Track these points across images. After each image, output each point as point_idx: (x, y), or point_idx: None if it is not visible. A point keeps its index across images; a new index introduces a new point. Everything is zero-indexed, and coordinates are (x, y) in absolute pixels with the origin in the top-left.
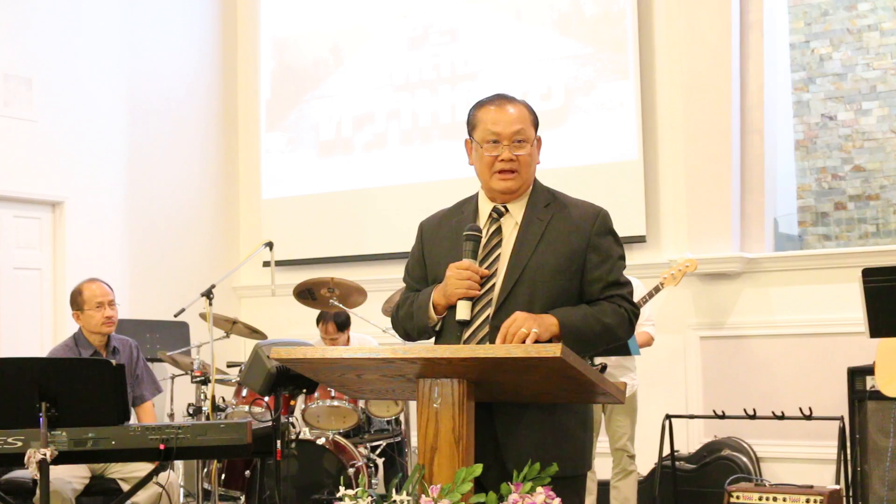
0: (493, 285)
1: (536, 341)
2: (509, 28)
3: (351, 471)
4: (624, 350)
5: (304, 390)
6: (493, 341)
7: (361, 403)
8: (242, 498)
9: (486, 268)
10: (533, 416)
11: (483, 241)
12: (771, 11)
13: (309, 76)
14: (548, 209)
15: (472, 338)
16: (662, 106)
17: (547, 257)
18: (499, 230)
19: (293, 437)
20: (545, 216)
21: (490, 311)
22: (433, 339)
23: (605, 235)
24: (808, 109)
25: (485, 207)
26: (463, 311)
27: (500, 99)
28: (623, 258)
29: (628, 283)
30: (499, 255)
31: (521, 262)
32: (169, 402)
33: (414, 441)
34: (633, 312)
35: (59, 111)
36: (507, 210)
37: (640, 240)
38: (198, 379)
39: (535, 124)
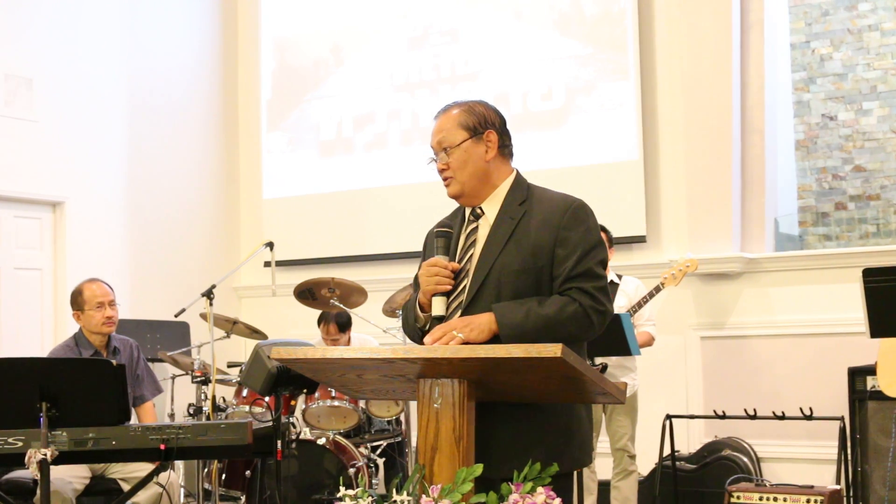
0: (465, 287)
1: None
2: (509, 28)
3: (351, 471)
4: (624, 350)
5: (305, 390)
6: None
7: (362, 403)
8: (243, 498)
9: (459, 269)
10: (504, 414)
11: (462, 243)
12: (771, 11)
13: (309, 76)
14: (522, 207)
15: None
16: (662, 106)
17: (512, 257)
18: (475, 231)
19: (294, 437)
20: (517, 214)
21: (459, 313)
22: None
23: (574, 228)
24: (809, 109)
25: (469, 210)
26: (437, 308)
27: (438, 113)
28: (597, 249)
29: (596, 277)
30: (471, 255)
31: (488, 262)
32: (169, 402)
33: (414, 441)
34: (591, 307)
35: (59, 111)
36: (483, 212)
37: (640, 240)
38: (198, 379)
39: (469, 125)
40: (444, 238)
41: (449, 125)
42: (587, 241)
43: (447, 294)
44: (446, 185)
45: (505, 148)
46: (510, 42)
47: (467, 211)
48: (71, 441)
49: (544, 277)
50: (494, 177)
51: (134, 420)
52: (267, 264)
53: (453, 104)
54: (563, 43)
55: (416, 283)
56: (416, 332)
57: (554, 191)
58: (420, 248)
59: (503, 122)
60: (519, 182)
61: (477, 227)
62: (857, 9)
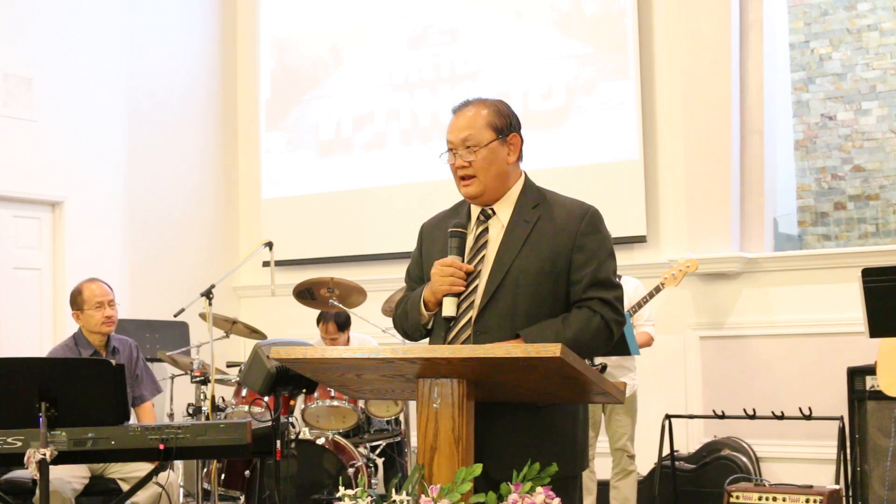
0: (477, 287)
1: None
2: (509, 28)
3: (350, 471)
4: (624, 350)
5: (304, 390)
6: (475, 343)
7: (361, 403)
8: (242, 498)
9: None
10: (516, 417)
11: (470, 243)
12: (770, 11)
13: (309, 76)
14: (535, 210)
15: (455, 339)
16: (662, 106)
17: (530, 260)
18: (486, 232)
19: (293, 437)
20: (532, 217)
21: (473, 313)
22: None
23: (592, 235)
24: (808, 109)
25: (476, 210)
26: (448, 308)
27: (461, 106)
28: (612, 258)
29: (615, 287)
30: (484, 256)
31: (505, 264)
32: (169, 402)
33: (414, 441)
34: (613, 319)
35: (59, 111)
36: (494, 212)
37: (640, 240)
38: (197, 379)
39: (497, 126)
40: (459, 238)
41: (477, 123)
42: (604, 248)
43: (458, 294)
44: (465, 184)
45: (520, 151)
46: (510, 41)
47: (474, 211)
48: (70, 441)
49: (560, 281)
50: (510, 179)
51: (133, 420)
52: (266, 264)
53: (477, 101)
54: (563, 42)
55: (409, 279)
56: (417, 328)
57: (565, 196)
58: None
59: (520, 125)
60: (529, 185)
61: (487, 229)
62: (856, 9)
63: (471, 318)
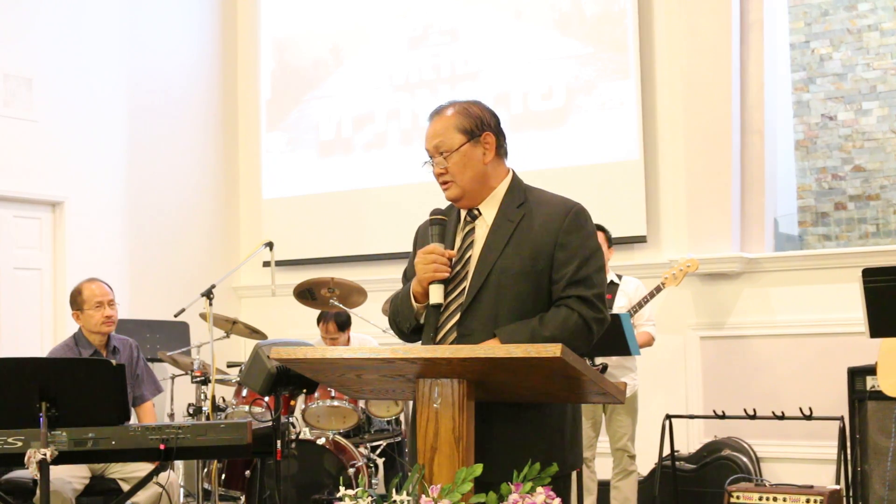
0: (463, 289)
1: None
2: (509, 28)
3: (351, 471)
4: (624, 350)
5: (305, 390)
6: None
7: (361, 403)
8: (242, 498)
9: (457, 271)
10: (501, 416)
11: (458, 243)
12: (771, 11)
13: (309, 76)
14: (520, 209)
15: (443, 340)
16: (662, 106)
17: (513, 259)
18: (472, 232)
19: (293, 437)
20: (516, 217)
21: (459, 314)
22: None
23: (574, 232)
24: (808, 109)
25: (464, 211)
26: (435, 295)
27: (433, 113)
28: (596, 256)
29: (596, 285)
30: (469, 257)
31: (488, 265)
32: (169, 402)
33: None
34: (592, 317)
35: (59, 111)
36: (480, 213)
37: (640, 240)
38: (198, 379)
39: (466, 128)
40: (440, 226)
41: (445, 129)
42: (587, 246)
43: (444, 282)
44: (445, 188)
45: (500, 148)
46: (510, 42)
47: (462, 211)
48: (71, 441)
49: (543, 281)
50: (492, 178)
51: (133, 420)
52: (266, 264)
53: (447, 105)
54: (563, 42)
55: (406, 280)
56: (408, 320)
57: (551, 193)
58: None
59: (498, 121)
60: (516, 183)
61: (474, 229)
62: (856, 9)
63: (456, 321)
